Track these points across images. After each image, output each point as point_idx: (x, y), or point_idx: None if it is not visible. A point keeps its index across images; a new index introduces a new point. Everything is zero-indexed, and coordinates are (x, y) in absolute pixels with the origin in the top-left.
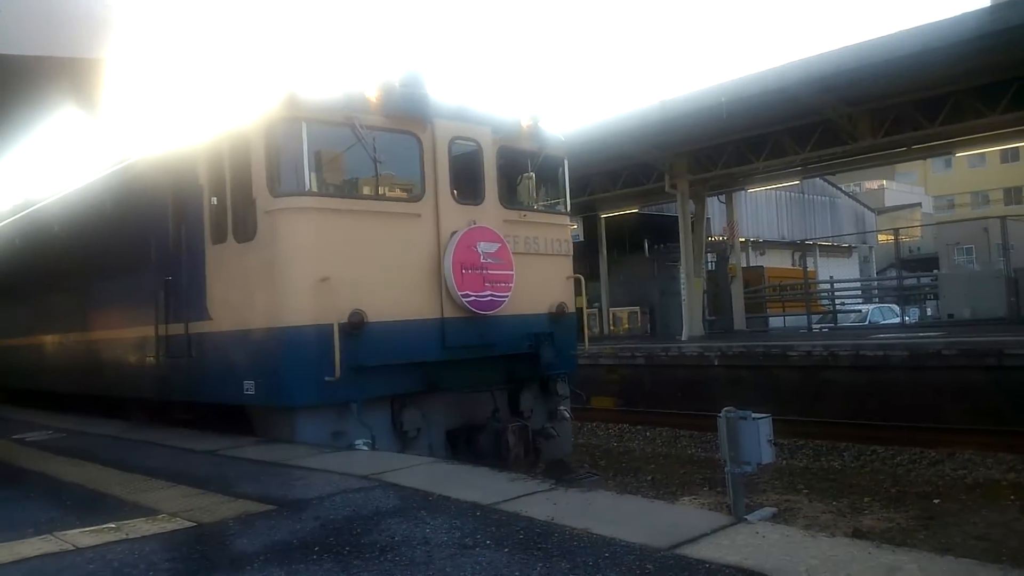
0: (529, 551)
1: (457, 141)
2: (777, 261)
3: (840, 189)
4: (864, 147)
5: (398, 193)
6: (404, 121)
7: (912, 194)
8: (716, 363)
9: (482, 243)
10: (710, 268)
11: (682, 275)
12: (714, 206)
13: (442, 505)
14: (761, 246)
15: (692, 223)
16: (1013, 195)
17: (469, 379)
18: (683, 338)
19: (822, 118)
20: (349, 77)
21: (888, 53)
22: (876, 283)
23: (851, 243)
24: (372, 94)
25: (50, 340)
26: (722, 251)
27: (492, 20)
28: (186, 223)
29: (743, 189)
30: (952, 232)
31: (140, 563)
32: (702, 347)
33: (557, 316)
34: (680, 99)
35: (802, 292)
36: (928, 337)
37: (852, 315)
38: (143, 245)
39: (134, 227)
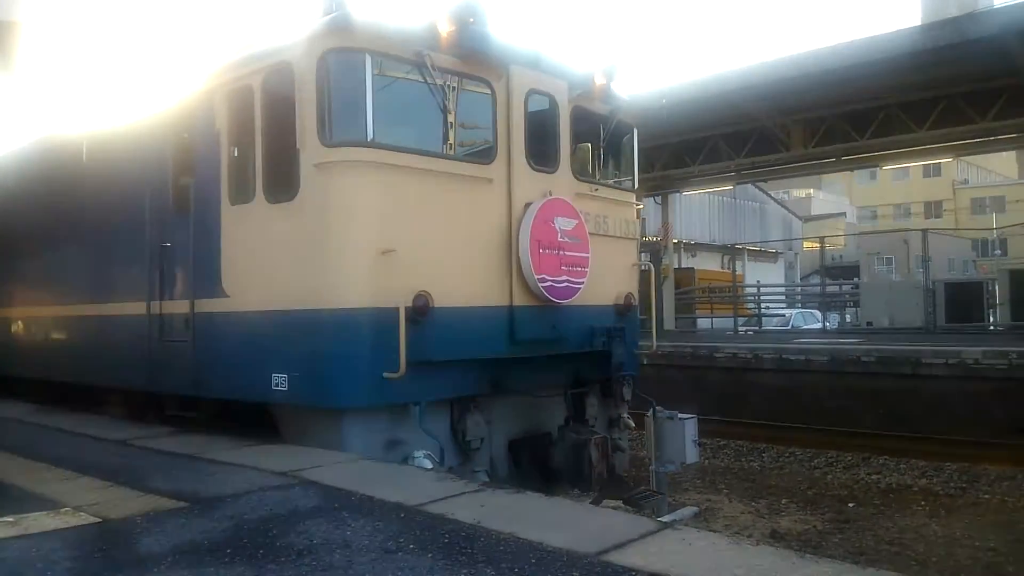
0: (453, 556)
1: (533, 95)
2: (707, 263)
3: (770, 196)
4: (796, 156)
5: (467, 152)
6: (478, 65)
7: (837, 204)
8: (644, 362)
9: (559, 218)
10: (643, 268)
11: None
12: (650, 206)
13: (365, 506)
14: (692, 248)
15: None
16: (933, 209)
17: (536, 380)
18: None
19: (758, 125)
20: (404, 4)
21: (824, 65)
22: (800, 289)
23: (778, 249)
24: (444, 27)
25: (12, 316)
26: (656, 251)
27: None
28: (193, 177)
29: (679, 191)
30: (874, 242)
31: (37, 562)
32: None
33: (624, 309)
34: None
35: (730, 295)
36: (848, 343)
37: (776, 319)
38: (130, 204)
39: (118, 182)
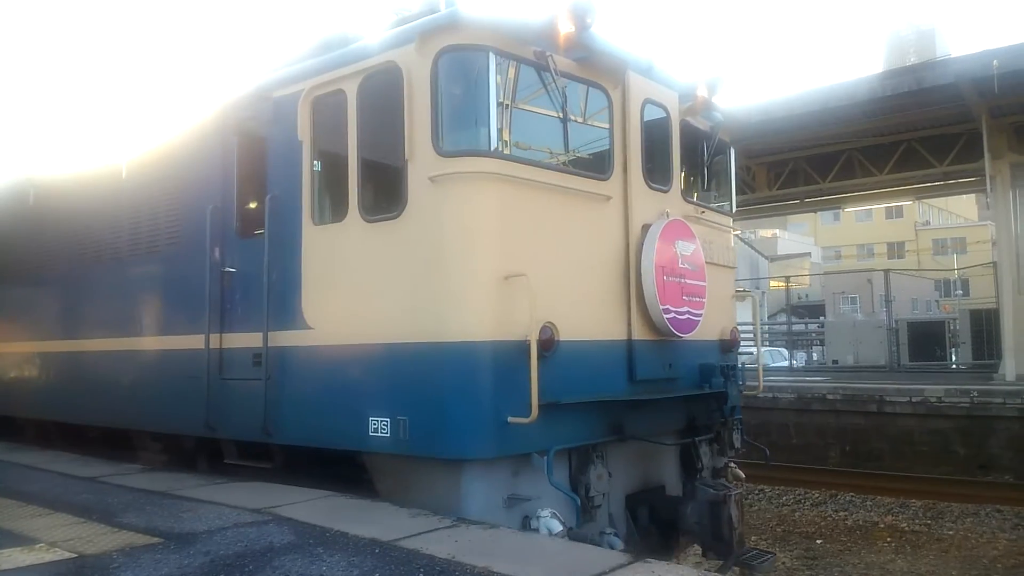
0: None
1: (648, 105)
2: None
3: (737, 235)
4: (761, 197)
5: (581, 166)
6: (595, 70)
7: (803, 243)
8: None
9: (680, 242)
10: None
11: None
12: None
13: (339, 541)
14: None
15: None
16: (896, 249)
17: (653, 425)
18: None
19: None
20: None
21: (789, 110)
22: (767, 327)
23: (745, 288)
24: (564, 27)
25: (27, 350)
26: None
27: None
28: (267, 195)
29: None
30: (839, 282)
31: None
32: None
33: (729, 345)
34: None
35: None
36: (814, 381)
37: (744, 357)
38: (182, 225)
39: (166, 201)
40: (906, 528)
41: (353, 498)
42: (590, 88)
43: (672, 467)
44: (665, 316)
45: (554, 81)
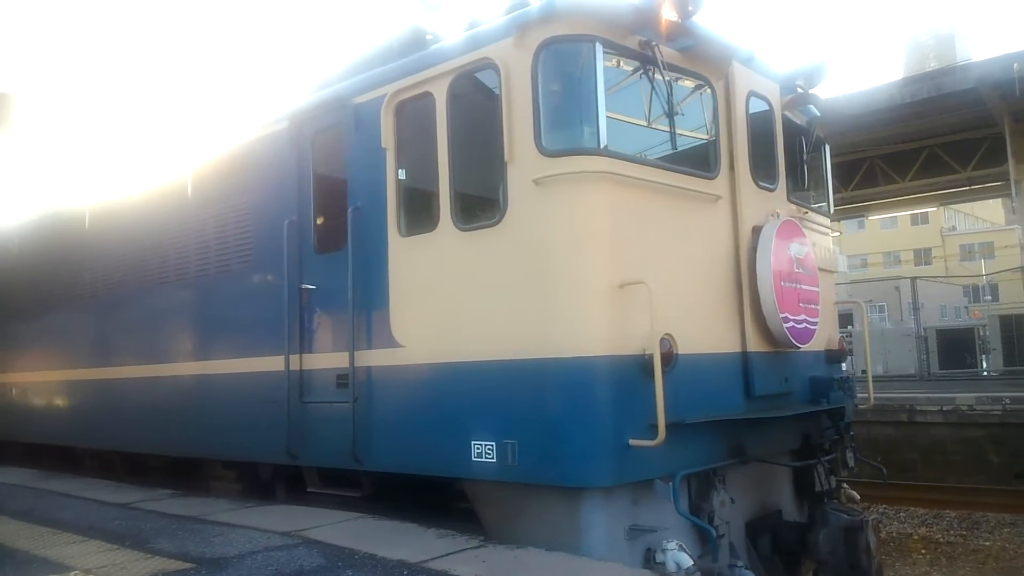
0: None
1: (752, 97)
2: None
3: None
4: None
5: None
6: (701, 60)
7: None
8: None
9: (794, 244)
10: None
11: None
12: None
13: (368, 563)
14: None
15: None
16: (923, 256)
17: (771, 444)
18: None
19: None
20: None
21: None
22: None
23: None
24: (668, 14)
25: (83, 378)
26: None
27: None
28: (348, 207)
29: None
30: (865, 290)
31: None
32: None
33: (837, 356)
34: None
35: None
36: None
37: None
38: (255, 241)
39: (237, 215)
40: (941, 540)
41: (381, 519)
42: (694, 79)
43: (787, 490)
44: (784, 325)
45: (661, 72)
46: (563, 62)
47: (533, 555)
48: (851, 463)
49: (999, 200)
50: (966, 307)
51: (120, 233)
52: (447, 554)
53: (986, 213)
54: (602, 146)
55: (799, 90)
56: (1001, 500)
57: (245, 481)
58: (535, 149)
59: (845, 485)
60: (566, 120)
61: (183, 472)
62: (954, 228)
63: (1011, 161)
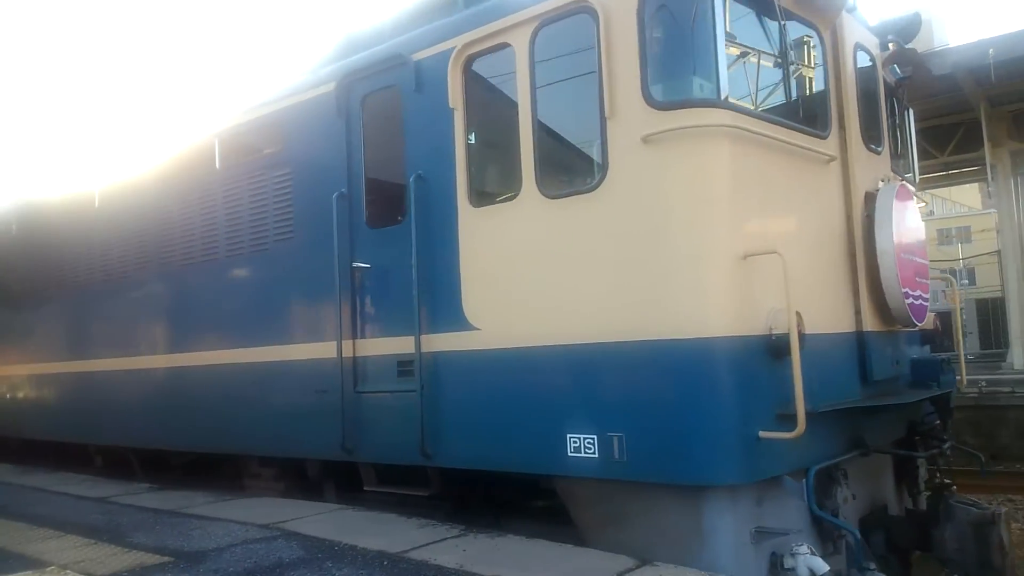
0: None
1: (859, 51)
2: None
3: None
4: None
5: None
6: (813, 6)
7: None
8: None
9: (909, 212)
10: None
11: None
12: None
13: (348, 554)
14: None
15: None
16: None
17: (885, 433)
18: None
19: None
20: None
21: None
22: None
23: None
24: None
25: (100, 368)
26: None
27: None
28: (407, 175)
29: None
30: None
31: None
32: None
33: (932, 335)
34: None
35: None
36: None
37: None
38: (296, 216)
39: (275, 188)
40: None
41: (360, 510)
42: (804, 27)
43: (889, 482)
44: (905, 301)
45: (778, 17)
46: (678, 3)
47: (514, 543)
48: (947, 451)
49: (976, 185)
50: (943, 291)
51: (137, 212)
52: (427, 544)
53: (963, 197)
54: (723, 97)
55: (891, 46)
56: (976, 482)
57: (286, 479)
58: (643, 102)
59: (947, 480)
60: (680, 68)
61: (204, 471)
62: (932, 213)
63: (987, 145)
